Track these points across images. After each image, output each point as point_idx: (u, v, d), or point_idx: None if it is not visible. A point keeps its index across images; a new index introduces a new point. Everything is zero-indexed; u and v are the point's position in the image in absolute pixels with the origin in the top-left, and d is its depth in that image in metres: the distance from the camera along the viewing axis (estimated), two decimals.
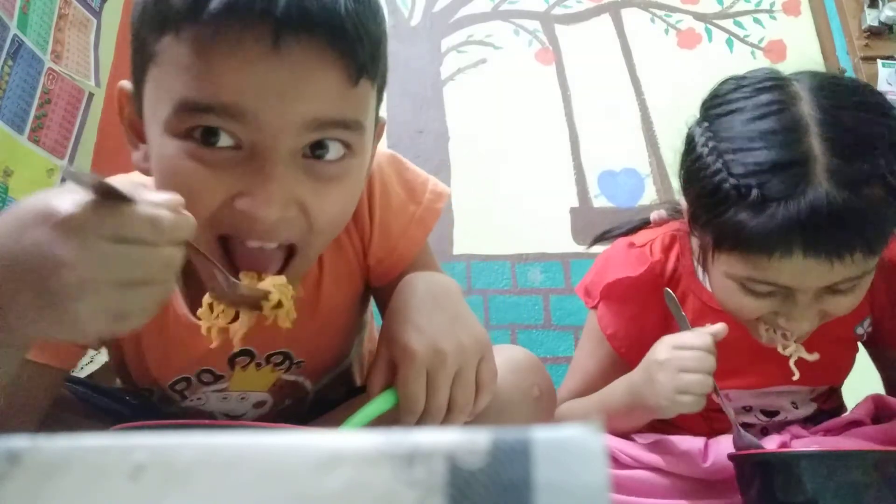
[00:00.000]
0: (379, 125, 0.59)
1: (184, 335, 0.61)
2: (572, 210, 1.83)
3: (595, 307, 0.83)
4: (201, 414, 0.69)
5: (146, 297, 0.39)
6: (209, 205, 0.48)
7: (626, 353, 0.81)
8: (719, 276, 0.68)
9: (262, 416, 0.70)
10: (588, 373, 0.86)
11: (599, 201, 1.81)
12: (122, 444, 0.19)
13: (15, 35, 1.52)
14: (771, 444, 0.75)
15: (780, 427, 0.81)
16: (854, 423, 0.77)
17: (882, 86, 1.80)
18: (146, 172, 0.54)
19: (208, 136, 0.47)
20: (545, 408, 0.63)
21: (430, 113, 1.97)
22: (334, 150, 0.50)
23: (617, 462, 0.74)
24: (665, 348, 0.67)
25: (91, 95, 1.79)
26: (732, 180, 0.61)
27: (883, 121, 0.62)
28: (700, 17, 2.04)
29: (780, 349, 0.68)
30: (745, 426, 0.75)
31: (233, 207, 0.48)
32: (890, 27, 1.85)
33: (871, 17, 1.86)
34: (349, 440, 0.19)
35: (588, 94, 1.96)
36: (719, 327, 0.68)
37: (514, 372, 0.61)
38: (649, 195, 1.80)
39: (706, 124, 0.68)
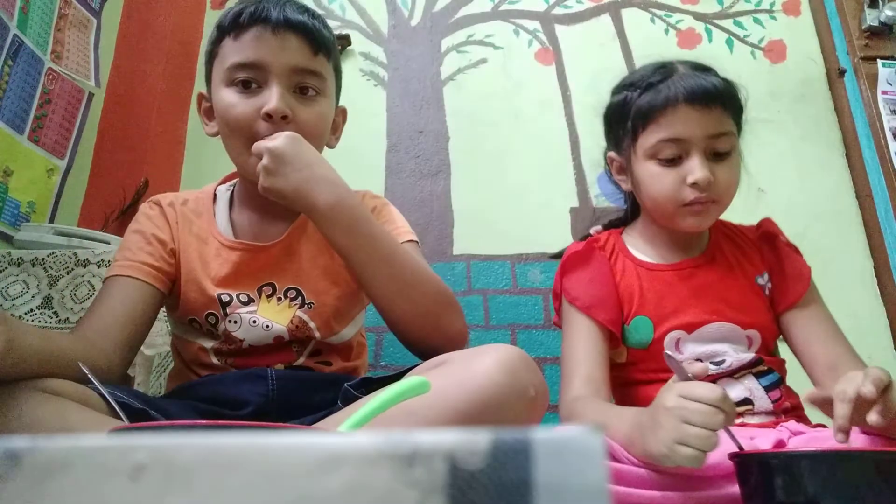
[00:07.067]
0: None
1: (226, 256, 0.88)
2: (572, 210, 1.83)
3: (562, 297, 0.99)
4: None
5: None
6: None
7: (593, 309, 0.94)
8: (643, 168, 0.94)
9: (280, 350, 0.86)
10: (578, 359, 0.92)
11: (599, 201, 1.81)
12: (122, 444, 0.19)
13: (15, 35, 1.52)
14: (766, 442, 0.75)
15: (732, 374, 0.89)
16: None
17: (882, 86, 1.80)
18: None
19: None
20: (539, 407, 0.65)
21: (430, 113, 1.97)
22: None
23: (612, 456, 0.74)
24: (673, 395, 0.65)
25: (91, 95, 1.79)
26: (630, 90, 0.95)
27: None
28: (700, 17, 2.04)
29: (701, 209, 0.91)
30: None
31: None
32: (890, 27, 1.85)
33: (871, 17, 1.86)
34: (349, 441, 0.19)
35: (588, 95, 1.96)
36: (702, 367, 0.70)
37: (511, 373, 0.62)
38: None
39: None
